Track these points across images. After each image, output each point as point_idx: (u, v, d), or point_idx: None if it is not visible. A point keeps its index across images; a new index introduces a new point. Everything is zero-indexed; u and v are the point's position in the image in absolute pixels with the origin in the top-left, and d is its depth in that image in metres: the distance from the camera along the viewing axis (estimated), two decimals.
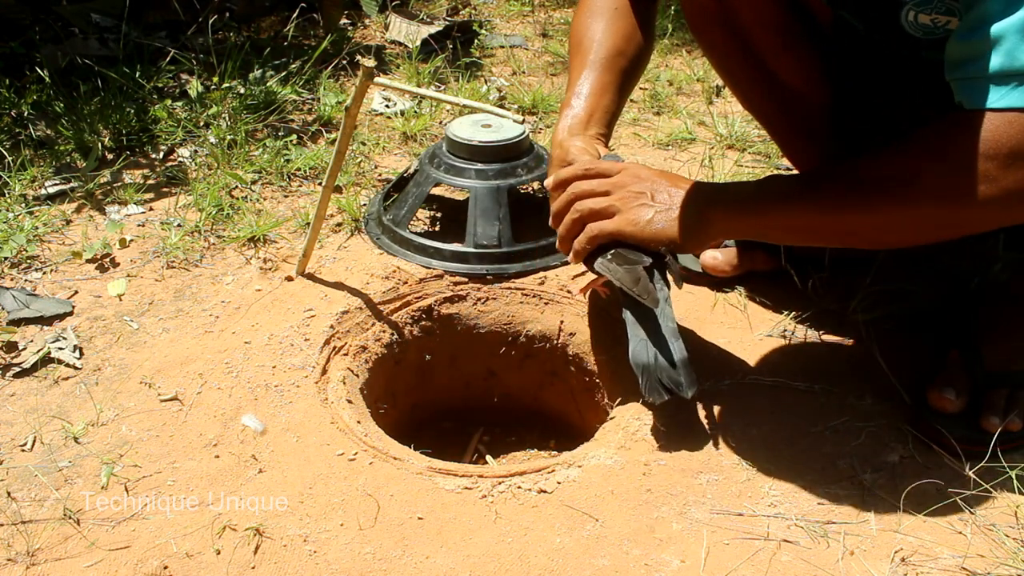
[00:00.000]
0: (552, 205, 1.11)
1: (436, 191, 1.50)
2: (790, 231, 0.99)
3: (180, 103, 1.80)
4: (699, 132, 1.84)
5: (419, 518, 0.93)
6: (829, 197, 0.93)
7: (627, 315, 1.04)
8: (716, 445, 1.03)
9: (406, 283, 1.31)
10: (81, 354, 1.16)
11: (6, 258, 1.34)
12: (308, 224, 1.41)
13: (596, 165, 1.07)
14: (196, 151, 1.66)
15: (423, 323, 1.30)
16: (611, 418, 1.12)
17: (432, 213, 1.48)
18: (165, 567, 0.87)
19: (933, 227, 0.89)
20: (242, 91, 1.80)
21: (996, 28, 0.79)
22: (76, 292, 1.28)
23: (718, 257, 1.29)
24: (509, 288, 1.31)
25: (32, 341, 1.18)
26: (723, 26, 1.13)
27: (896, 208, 0.88)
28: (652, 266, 1.02)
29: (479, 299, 1.31)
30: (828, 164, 1.01)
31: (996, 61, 0.80)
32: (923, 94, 1.06)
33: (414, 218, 1.39)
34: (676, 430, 1.05)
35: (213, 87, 1.81)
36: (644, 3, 1.19)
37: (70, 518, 0.92)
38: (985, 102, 0.81)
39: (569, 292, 1.30)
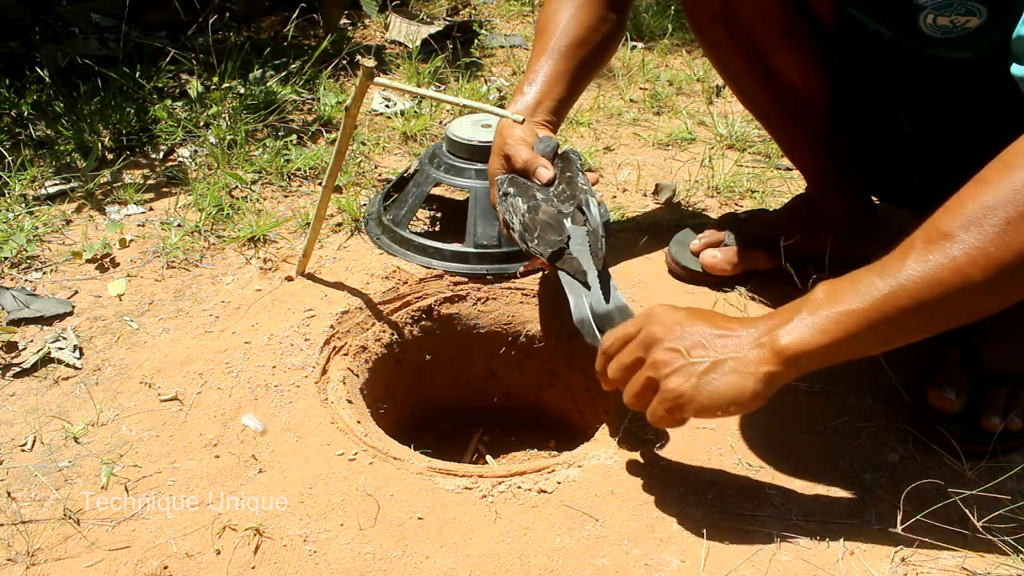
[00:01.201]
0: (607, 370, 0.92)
1: (436, 191, 1.50)
2: (886, 337, 0.79)
3: (180, 103, 1.80)
4: (699, 132, 1.84)
5: (419, 518, 0.93)
6: (923, 274, 0.75)
7: (563, 276, 1.07)
8: (716, 445, 1.03)
9: (406, 283, 1.31)
10: (81, 354, 1.16)
11: (6, 258, 1.34)
12: (308, 224, 1.41)
13: (615, 335, 0.90)
14: (196, 151, 1.66)
15: (423, 323, 1.30)
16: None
17: (432, 213, 1.48)
18: (165, 567, 0.87)
19: None
20: (242, 91, 1.80)
21: None
22: (76, 292, 1.28)
23: (718, 256, 1.29)
24: (509, 288, 1.31)
25: (32, 341, 1.18)
26: (725, 24, 1.13)
27: (1005, 243, 0.73)
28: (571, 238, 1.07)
29: (479, 299, 1.31)
30: (898, 250, 0.80)
31: None
32: (924, 92, 1.06)
33: (414, 218, 1.39)
34: (676, 431, 1.05)
35: (213, 87, 1.81)
36: None
37: (70, 518, 0.92)
38: None
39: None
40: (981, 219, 0.74)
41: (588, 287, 1.05)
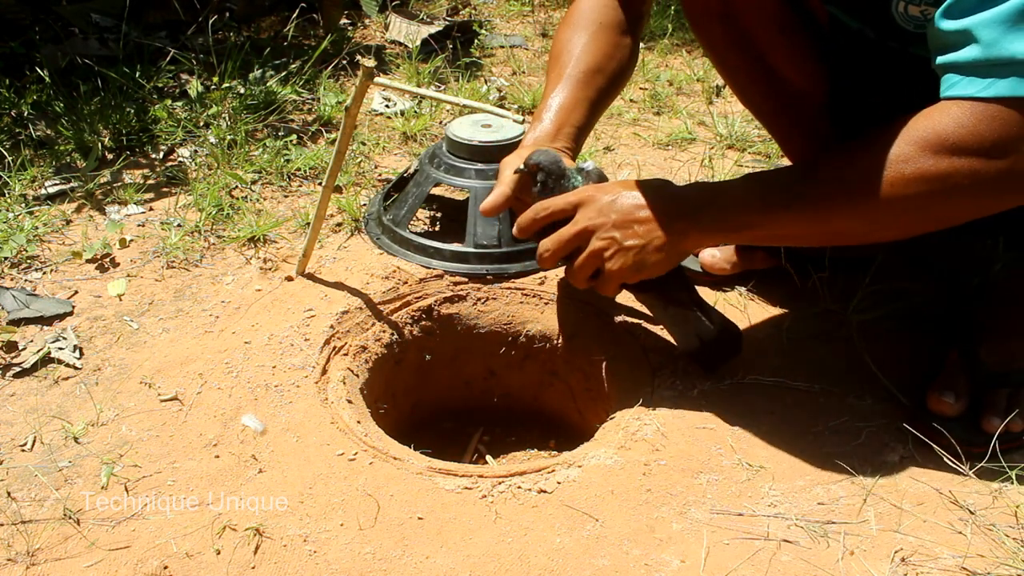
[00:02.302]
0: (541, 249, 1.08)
1: (436, 191, 1.50)
2: (773, 239, 1.01)
3: (180, 103, 1.80)
4: (699, 132, 1.84)
5: (419, 518, 0.93)
6: (812, 202, 0.93)
7: (658, 307, 1.12)
8: (716, 445, 1.03)
9: (406, 283, 1.31)
10: (81, 354, 1.16)
11: (6, 258, 1.34)
12: (308, 224, 1.41)
13: (548, 205, 1.06)
14: (196, 151, 1.66)
15: (423, 323, 1.30)
16: (611, 418, 1.12)
17: (432, 213, 1.48)
18: (165, 567, 0.87)
19: (919, 221, 0.90)
20: (242, 91, 1.80)
21: (976, 19, 0.80)
22: (76, 292, 1.28)
23: (716, 255, 1.29)
24: (509, 288, 1.31)
25: (32, 341, 1.18)
26: (724, 23, 1.13)
27: (881, 206, 0.89)
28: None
29: (479, 299, 1.31)
30: (803, 165, 1.01)
31: (977, 51, 0.81)
32: (917, 92, 1.06)
33: (414, 218, 1.39)
34: (676, 430, 1.05)
35: (213, 87, 1.81)
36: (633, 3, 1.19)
37: (70, 518, 0.92)
38: (967, 91, 0.82)
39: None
40: (863, 181, 0.90)
41: (693, 310, 1.09)
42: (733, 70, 1.21)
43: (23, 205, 1.46)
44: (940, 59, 0.86)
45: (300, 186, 1.58)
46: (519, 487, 0.97)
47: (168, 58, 1.87)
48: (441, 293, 1.31)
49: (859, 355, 1.16)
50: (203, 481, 0.97)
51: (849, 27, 1.09)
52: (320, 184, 1.29)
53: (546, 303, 1.31)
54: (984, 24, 0.80)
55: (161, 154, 1.66)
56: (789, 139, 1.27)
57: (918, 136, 0.86)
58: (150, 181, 1.57)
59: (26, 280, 1.31)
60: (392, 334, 1.27)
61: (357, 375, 1.19)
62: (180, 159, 1.65)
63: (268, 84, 1.83)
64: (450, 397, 1.39)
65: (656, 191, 1.02)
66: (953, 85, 0.84)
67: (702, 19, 1.16)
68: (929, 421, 1.02)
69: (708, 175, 1.62)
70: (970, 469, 0.98)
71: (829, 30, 1.14)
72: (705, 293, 1.30)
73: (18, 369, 1.14)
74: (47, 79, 1.74)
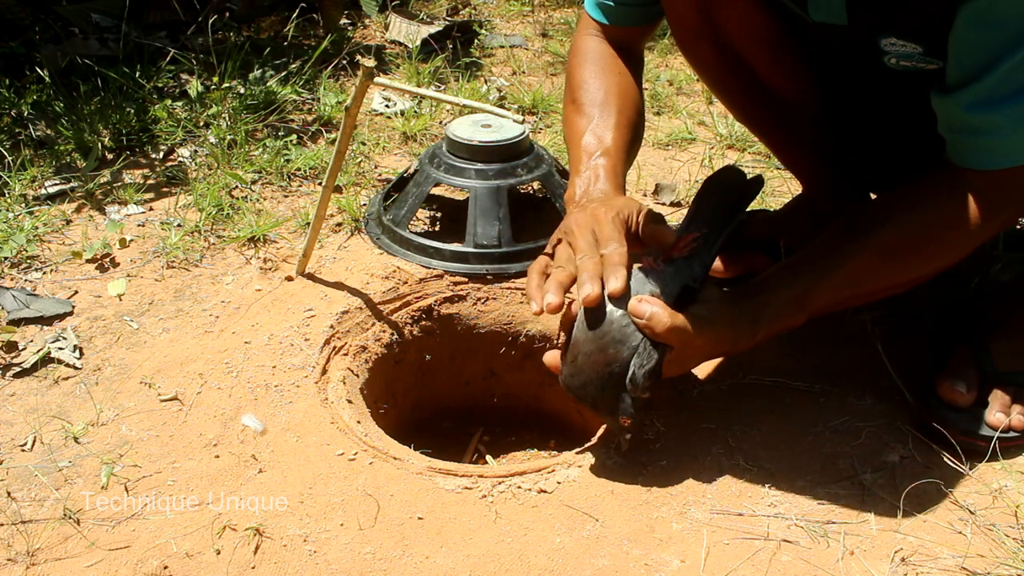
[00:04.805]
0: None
1: (436, 191, 1.50)
2: (832, 308, 1.01)
3: (180, 103, 1.80)
4: (699, 132, 1.84)
5: (419, 518, 0.93)
6: (861, 274, 0.96)
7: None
8: (716, 445, 1.03)
9: (406, 283, 1.31)
10: (81, 354, 1.16)
11: (6, 258, 1.34)
12: (308, 224, 1.41)
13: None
14: (196, 151, 1.66)
15: (423, 323, 1.30)
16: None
17: (432, 213, 1.48)
18: (165, 567, 0.87)
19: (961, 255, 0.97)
20: (242, 91, 1.80)
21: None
22: (76, 292, 1.28)
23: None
24: (509, 288, 1.31)
25: (32, 341, 1.18)
26: (711, 43, 1.12)
27: (930, 263, 0.96)
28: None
29: (479, 299, 1.31)
30: (843, 231, 0.99)
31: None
32: (897, 96, 1.09)
33: (414, 218, 1.39)
34: (676, 430, 1.05)
35: (213, 87, 1.81)
36: (632, 63, 1.18)
37: (70, 518, 0.92)
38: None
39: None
40: (914, 248, 0.96)
41: None
42: (725, 88, 1.21)
43: (23, 205, 1.46)
44: (974, 137, 0.90)
45: (300, 186, 1.58)
46: (519, 487, 0.97)
47: (168, 58, 1.87)
48: (441, 293, 1.31)
49: (859, 355, 1.16)
50: (203, 481, 0.97)
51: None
52: (320, 184, 1.29)
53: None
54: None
55: (161, 154, 1.66)
56: (787, 150, 1.27)
57: (960, 206, 0.92)
58: (150, 181, 1.57)
59: (26, 280, 1.31)
60: (392, 334, 1.27)
61: (357, 375, 1.19)
62: (180, 159, 1.65)
63: (268, 84, 1.83)
64: (450, 397, 1.39)
65: (728, 329, 0.97)
66: (991, 159, 0.90)
67: (691, 42, 1.15)
68: (937, 410, 1.02)
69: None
70: (970, 468, 0.98)
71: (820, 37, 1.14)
72: None
73: (18, 369, 1.14)
74: (47, 79, 1.74)
